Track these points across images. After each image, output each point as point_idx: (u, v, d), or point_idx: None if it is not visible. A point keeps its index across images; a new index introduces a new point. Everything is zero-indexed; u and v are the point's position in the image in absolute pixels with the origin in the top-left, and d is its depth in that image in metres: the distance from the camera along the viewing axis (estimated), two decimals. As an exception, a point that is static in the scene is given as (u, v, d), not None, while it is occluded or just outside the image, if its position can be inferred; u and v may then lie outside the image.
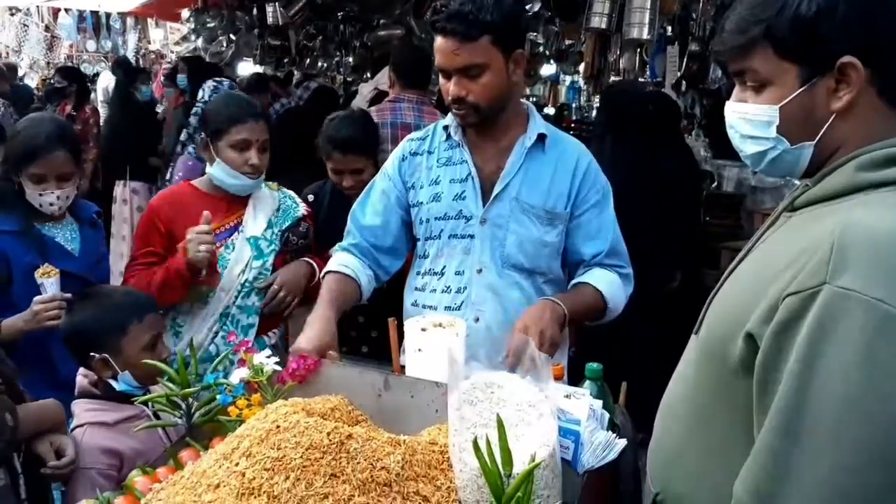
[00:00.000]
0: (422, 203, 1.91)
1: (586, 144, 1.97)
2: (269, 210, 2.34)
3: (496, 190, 1.84)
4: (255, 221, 2.30)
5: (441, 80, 1.80)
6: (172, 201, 2.28)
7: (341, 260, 1.93)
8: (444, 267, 1.89)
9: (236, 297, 2.23)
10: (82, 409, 1.73)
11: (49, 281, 2.03)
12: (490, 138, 1.86)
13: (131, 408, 1.67)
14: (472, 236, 1.85)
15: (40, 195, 2.16)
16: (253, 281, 2.25)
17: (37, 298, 2.01)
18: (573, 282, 1.89)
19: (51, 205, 2.18)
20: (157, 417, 1.68)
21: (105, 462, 1.63)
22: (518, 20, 1.84)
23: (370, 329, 2.67)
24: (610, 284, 1.85)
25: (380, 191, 1.98)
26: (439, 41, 1.73)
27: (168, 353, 1.80)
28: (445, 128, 1.91)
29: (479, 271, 1.85)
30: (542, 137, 1.86)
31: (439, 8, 1.77)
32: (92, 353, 1.74)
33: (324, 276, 1.92)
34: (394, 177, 1.96)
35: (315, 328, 1.66)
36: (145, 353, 1.74)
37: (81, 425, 1.69)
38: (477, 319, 1.84)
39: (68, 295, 2.02)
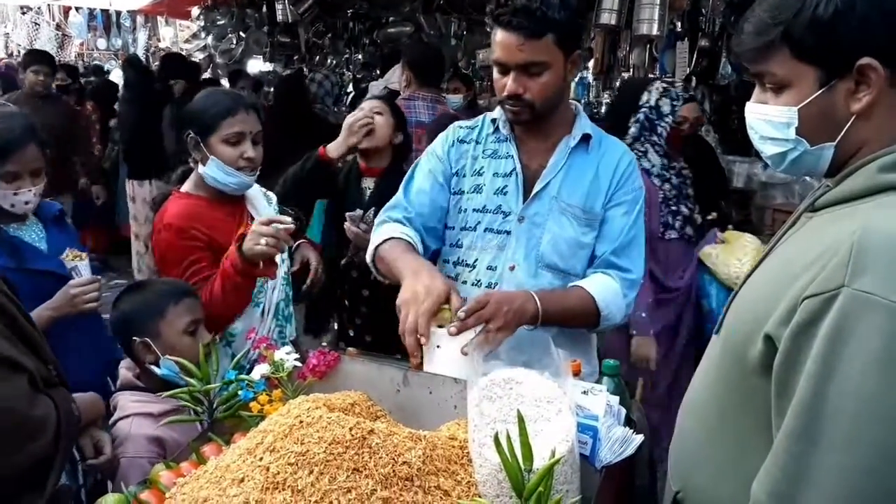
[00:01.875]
0: (463, 192, 1.90)
1: None
2: (263, 201, 2.31)
3: (536, 188, 1.83)
4: (262, 214, 2.25)
5: (496, 74, 1.77)
6: (190, 215, 2.09)
7: (398, 229, 1.86)
8: (477, 260, 1.87)
9: (283, 291, 2.27)
10: (128, 401, 1.77)
11: (82, 264, 2.04)
12: (537, 136, 1.86)
13: (174, 400, 1.70)
14: (508, 232, 1.84)
15: (15, 194, 2.06)
16: (287, 271, 2.30)
17: (72, 282, 2.01)
18: (569, 284, 1.83)
19: (26, 203, 2.08)
20: None
21: (154, 451, 1.67)
22: (578, 22, 1.85)
23: (372, 320, 2.72)
24: (604, 290, 1.77)
25: (426, 170, 1.95)
26: (502, 35, 1.70)
27: (210, 338, 1.83)
28: (494, 121, 1.91)
29: (512, 268, 1.83)
30: (586, 138, 1.86)
31: (503, 1, 1.75)
32: (134, 338, 1.81)
33: (381, 245, 1.84)
34: (443, 158, 1.93)
35: (424, 273, 1.60)
36: (185, 337, 1.81)
37: (127, 416, 1.73)
38: None
39: (100, 277, 2.06)
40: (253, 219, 2.20)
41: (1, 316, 1.40)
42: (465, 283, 1.89)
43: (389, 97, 2.83)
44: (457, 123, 2.01)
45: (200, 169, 2.12)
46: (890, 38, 1.02)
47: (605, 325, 1.80)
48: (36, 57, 5.43)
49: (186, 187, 2.18)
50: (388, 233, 1.85)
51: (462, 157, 1.92)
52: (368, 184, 2.74)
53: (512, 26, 1.68)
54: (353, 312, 2.76)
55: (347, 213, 2.54)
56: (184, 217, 2.08)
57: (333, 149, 2.61)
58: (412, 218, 1.91)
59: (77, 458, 1.58)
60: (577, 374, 1.49)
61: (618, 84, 5.58)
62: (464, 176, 1.91)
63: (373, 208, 2.51)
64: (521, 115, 1.78)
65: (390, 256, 1.77)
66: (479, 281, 1.86)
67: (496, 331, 1.54)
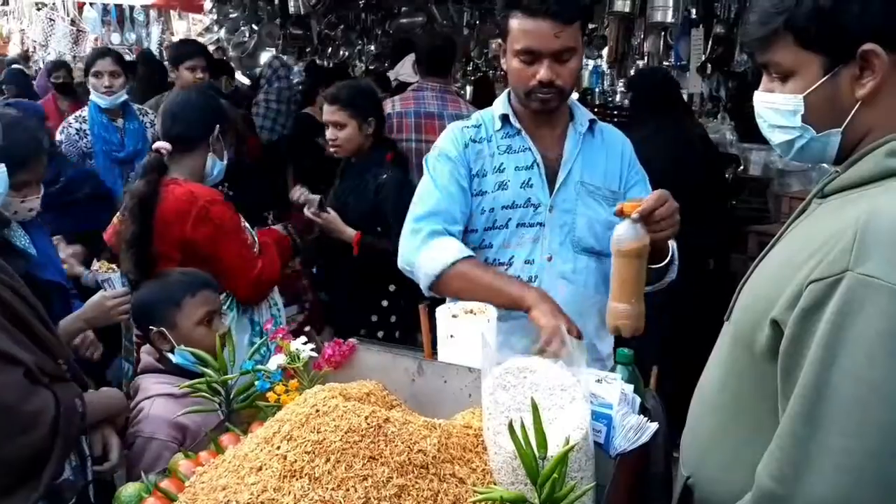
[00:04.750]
0: (486, 192, 1.85)
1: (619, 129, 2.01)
2: None
3: (561, 176, 1.84)
4: None
5: (518, 64, 1.73)
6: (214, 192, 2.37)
7: (457, 246, 1.78)
8: (513, 257, 1.85)
9: None
10: (151, 383, 1.83)
11: (115, 276, 2.12)
12: (546, 126, 1.86)
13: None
14: (541, 224, 1.83)
15: (22, 202, 2.04)
16: None
17: (108, 294, 2.06)
18: None
19: (30, 210, 2.08)
20: None
21: (171, 434, 1.71)
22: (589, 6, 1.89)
23: (391, 313, 2.90)
24: (674, 250, 1.84)
25: (446, 173, 1.84)
26: (534, 23, 1.67)
27: (226, 329, 1.87)
28: (503, 116, 1.87)
29: (550, 259, 1.83)
30: (591, 123, 1.90)
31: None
32: (151, 327, 1.86)
33: (452, 266, 1.75)
34: (460, 160, 1.85)
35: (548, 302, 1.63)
36: (200, 327, 1.86)
37: (150, 397, 1.78)
38: None
39: (129, 289, 2.12)
40: None
41: (4, 310, 1.41)
42: None
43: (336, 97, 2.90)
44: (459, 124, 1.95)
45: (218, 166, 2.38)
46: (892, 23, 1.02)
47: (667, 280, 1.82)
48: (189, 49, 4.22)
49: (177, 175, 2.29)
50: (449, 253, 1.76)
51: (478, 158, 1.87)
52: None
53: (549, 13, 1.65)
54: (372, 307, 2.94)
55: (305, 197, 2.79)
56: (215, 193, 2.30)
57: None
58: (458, 218, 1.82)
59: (87, 453, 1.59)
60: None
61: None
62: (484, 176, 1.86)
63: (319, 196, 2.80)
64: (551, 102, 1.77)
65: (472, 275, 1.73)
66: (517, 277, 1.83)
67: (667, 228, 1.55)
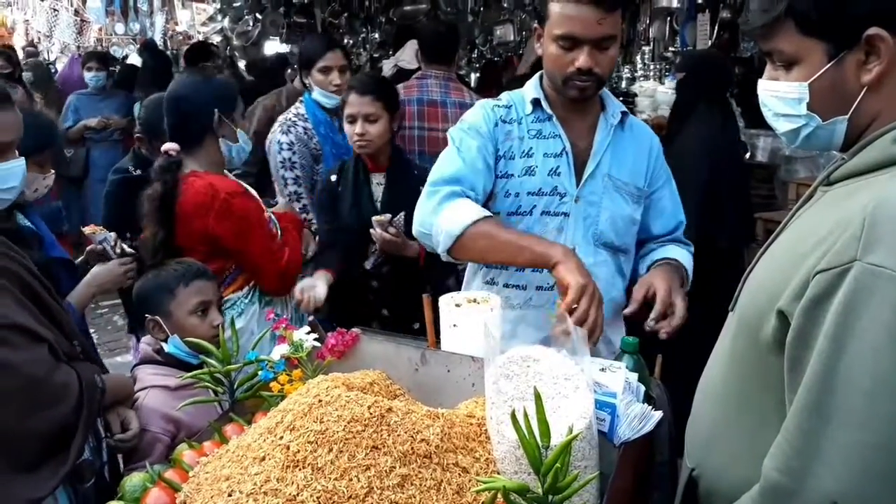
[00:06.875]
0: (513, 175, 1.81)
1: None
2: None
3: (589, 167, 1.81)
4: None
5: (557, 49, 1.70)
6: (235, 184, 2.32)
7: (480, 207, 1.71)
8: None
9: None
10: (146, 374, 1.84)
11: (111, 235, 2.23)
12: (578, 114, 1.83)
13: None
14: (566, 214, 1.80)
15: (44, 178, 2.19)
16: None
17: (120, 260, 2.19)
18: (657, 256, 1.89)
19: (47, 187, 2.22)
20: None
21: (163, 426, 1.71)
22: None
23: (386, 297, 2.65)
24: (688, 262, 1.89)
25: (474, 148, 1.78)
26: (576, 9, 1.64)
27: (221, 321, 1.89)
28: (534, 100, 1.83)
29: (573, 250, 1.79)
30: (623, 115, 1.87)
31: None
32: (146, 315, 1.88)
33: (474, 224, 1.65)
34: (489, 137, 1.80)
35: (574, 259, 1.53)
36: (193, 317, 1.88)
37: (144, 388, 1.78)
38: None
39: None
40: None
41: (24, 290, 1.44)
42: (521, 270, 1.81)
43: (372, 84, 2.63)
44: (489, 103, 1.90)
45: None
46: None
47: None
48: (320, 45, 3.24)
49: (196, 167, 2.26)
50: (471, 212, 1.67)
51: (507, 138, 1.83)
52: (378, 178, 2.62)
53: (591, 0, 1.63)
54: (366, 289, 2.66)
55: (374, 218, 2.44)
56: (236, 185, 2.27)
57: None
58: (479, 191, 1.76)
59: (102, 434, 1.61)
60: None
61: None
62: (511, 158, 1.82)
63: (402, 214, 2.45)
64: (588, 90, 1.74)
65: (495, 233, 1.64)
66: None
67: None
